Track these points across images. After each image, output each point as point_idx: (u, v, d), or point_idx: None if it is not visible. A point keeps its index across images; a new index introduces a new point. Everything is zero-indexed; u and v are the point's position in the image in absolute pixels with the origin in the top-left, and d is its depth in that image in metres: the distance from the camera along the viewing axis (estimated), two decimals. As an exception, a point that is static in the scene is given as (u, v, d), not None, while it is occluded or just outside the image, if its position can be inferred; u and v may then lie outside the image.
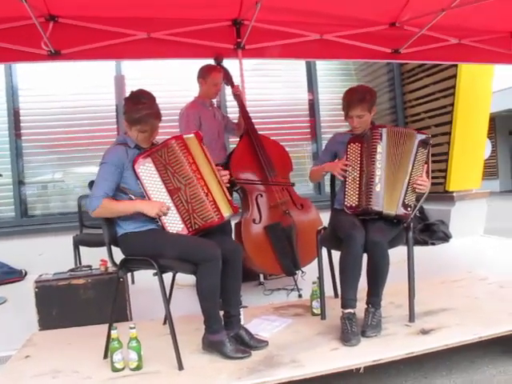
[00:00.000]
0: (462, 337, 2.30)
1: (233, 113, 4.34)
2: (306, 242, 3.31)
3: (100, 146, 4.73)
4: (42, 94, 5.11)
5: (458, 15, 3.54)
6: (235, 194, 3.56)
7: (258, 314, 2.81)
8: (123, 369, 2.16)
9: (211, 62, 3.61)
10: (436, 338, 2.30)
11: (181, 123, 3.47)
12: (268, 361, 2.17)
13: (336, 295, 2.92)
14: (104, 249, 2.43)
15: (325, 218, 3.04)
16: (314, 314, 2.77)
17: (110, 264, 2.54)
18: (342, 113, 2.71)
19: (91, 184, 2.34)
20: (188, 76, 3.59)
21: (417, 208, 2.63)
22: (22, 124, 5.04)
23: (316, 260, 2.79)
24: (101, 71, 5.16)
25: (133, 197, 2.32)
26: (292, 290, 3.53)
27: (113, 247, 2.42)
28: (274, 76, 5.82)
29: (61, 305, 2.84)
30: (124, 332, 2.17)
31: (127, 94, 2.38)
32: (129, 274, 3.14)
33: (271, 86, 5.79)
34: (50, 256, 4.45)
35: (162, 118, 2.37)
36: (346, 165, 2.63)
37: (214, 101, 3.79)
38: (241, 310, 2.46)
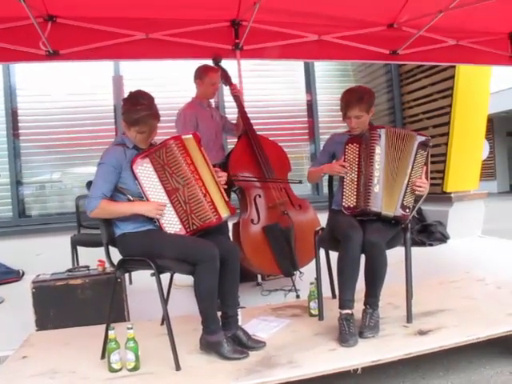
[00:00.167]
0: (459, 337, 2.30)
1: (231, 113, 4.34)
2: (304, 242, 3.31)
3: (98, 146, 4.72)
4: (40, 94, 5.10)
5: (456, 17, 3.55)
6: (233, 195, 3.57)
7: (256, 314, 2.81)
8: (120, 369, 2.16)
9: (209, 62, 3.61)
10: (434, 339, 2.30)
11: (177, 124, 3.47)
12: (266, 361, 2.17)
13: (334, 296, 2.92)
14: (102, 249, 2.43)
15: (323, 218, 3.05)
16: (311, 315, 2.77)
17: (107, 264, 2.53)
18: (340, 113, 2.72)
19: (89, 184, 2.34)
20: (186, 77, 3.60)
21: (415, 209, 2.63)
22: (20, 124, 5.03)
23: (314, 261, 2.80)
24: (99, 71, 5.15)
25: (131, 197, 2.32)
26: (290, 290, 3.53)
27: (110, 247, 2.42)
28: (272, 77, 5.82)
29: (58, 305, 2.83)
30: (121, 332, 2.17)
31: (125, 95, 2.38)
32: (126, 275, 3.14)
33: (269, 87, 5.79)
34: (47, 256, 4.44)
35: (161, 119, 2.37)
36: (343, 165, 2.63)
37: (212, 101, 3.79)
38: (238, 310, 2.46)
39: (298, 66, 5.85)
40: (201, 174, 2.35)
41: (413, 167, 2.58)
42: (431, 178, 2.66)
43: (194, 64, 3.59)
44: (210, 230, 2.36)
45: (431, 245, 5.19)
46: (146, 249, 2.29)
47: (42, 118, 5.09)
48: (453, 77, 5.31)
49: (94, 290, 2.89)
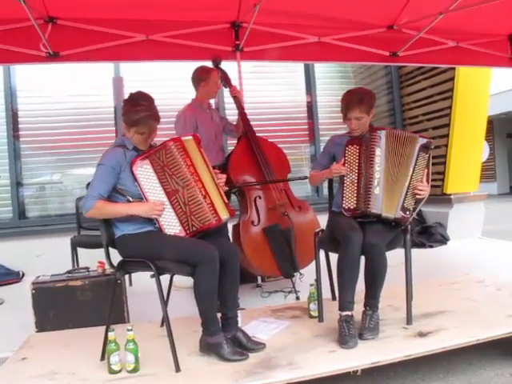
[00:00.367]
0: (459, 339, 2.30)
1: (231, 115, 4.35)
2: (304, 244, 3.31)
3: (98, 147, 4.70)
4: (40, 96, 5.10)
5: (456, 18, 3.55)
6: (233, 196, 3.57)
7: (256, 316, 2.81)
8: (120, 371, 2.15)
9: (209, 64, 3.61)
10: (434, 341, 2.30)
11: (177, 126, 3.47)
12: (265, 363, 2.17)
13: (334, 297, 2.92)
14: (102, 250, 2.43)
15: (323, 220, 3.05)
16: (311, 317, 2.76)
17: (107, 266, 2.54)
18: (340, 115, 2.72)
19: (89, 186, 2.34)
20: (186, 78, 3.59)
21: (415, 211, 2.63)
22: (20, 125, 5.03)
23: (314, 262, 2.80)
24: (99, 73, 5.15)
25: (130, 199, 2.32)
26: (290, 292, 3.52)
27: (110, 249, 2.42)
28: (272, 78, 5.83)
29: (58, 306, 2.83)
30: (121, 334, 2.17)
31: (126, 96, 2.39)
32: (126, 276, 3.14)
33: (270, 89, 5.80)
34: (47, 257, 4.45)
35: (161, 120, 2.37)
36: (340, 166, 2.63)
37: (213, 102, 3.79)
38: (238, 312, 2.46)
39: (298, 67, 5.86)
40: (200, 176, 2.35)
41: (414, 170, 2.57)
42: (431, 180, 2.66)
43: (194, 65, 3.59)
44: (210, 232, 2.36)
45: (431, 246, 5.19)
46: (145, 250, 2.29)
47: (43, 119, 5.10)
48: (453, 78, 5.31)
49: (93, 291, 2.88)
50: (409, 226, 2.63)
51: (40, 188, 5.20)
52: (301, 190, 5.40)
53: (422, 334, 2.37)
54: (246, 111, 3.64)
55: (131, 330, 2.16)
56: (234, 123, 3.76)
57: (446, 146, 5.47)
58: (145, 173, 2.31)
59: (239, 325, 2.43)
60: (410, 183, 2.57)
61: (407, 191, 2.56)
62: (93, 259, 3.07)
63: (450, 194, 5.49)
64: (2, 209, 5.00)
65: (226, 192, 2.60)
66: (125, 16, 3.30)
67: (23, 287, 3.50)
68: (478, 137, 5.62)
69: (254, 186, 3.48)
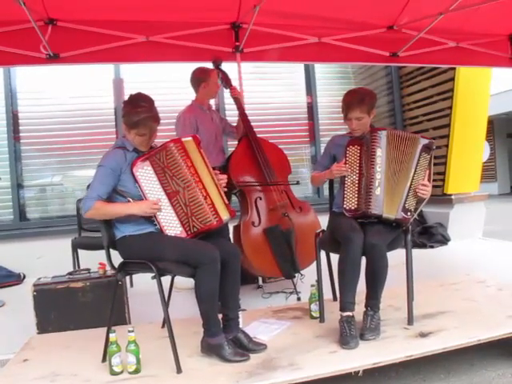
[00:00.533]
0: (460, 340, 2.29)
1: (232, 116, 4.35)
2: (304, 244, 3.32)
3: (99, 149, 4.73)
4: (40, 98, 5.11)
5: (456, 18, 3.55)
6: (234, 197, 3.57)
7: (257, 317, 2.81)
8: (121, 372, 2.15)
9: (210, 65, 3.61)
10: (435, 341, 2.30)
11: (177, 127, 3.47)
12: (266, 364, 2.17)
13: (335, 298, 2.92)
14: (102, 252, 2.43)
15: (323, 221, 3.05)
16: (312, 317, 2.76)
17: (108, 267, 2.54)
18: (341, 116, 2.72)
19: (89, 187, 2.34)
20: (187, 79, 3.59)
21: (416, 212, 2.63)
22: (20, 127, 5.03)
23: (315, 263, 2.79)
24: (99, 74, 5.15)
25: (131, 200, 2.32)
26: (291, 293, 3.52)
27: (111, 250, 2.42)
28: (272, 79, 5.83)
29: (59, 308, 2.83)
30: (122, 335, 2.17)
31: (126, 98, 2.39)
32: (127, 277, 3.14)
33: (270, 89, 5.80)
34: (48, 259, 4.45)
35: (161, 122, 2.37)
36: (341, 166, 2.63)
37: (213, 103, 3.79)
38: (239, 313, 2.46)
39: (298, 68, 5.86)
40: (201, 177, 2.35)
41: (416, 170, 2.57)
42: (432, 180, 2.65)
43: (194, 67, 3.59)
44: (211, 233, 2.36)
45: (432, 247, 5.18)
46: (146, 251, 2.29)
47: (43, 120, 5.10)
48: (453, 79, 5.31)
49: (94, 292, 2.89)
50: (410, 227, 2.62)
51: (41, 190, 5.20)
52: (301, 190, 5.40)
53: (423, 335, 2.37)
54: (247, 112, 3.64)
55: (132, 331, 2.16)
56: (235, 124, 3.77)
57: (447, 146, 5.46)
58: (145, 174, 2.31)
59: (240, 326, 2.43)
60: (411, 184, 2.56)
61: (408, 192, 2.56)
62: (94, 261, 3.07)
63: (450, 195, 5.49)
64: (3, 211, 5.01)
65: (227, 193, 2.60)
66: (125, 17, 3.30)
67: (24, 289, 3.50)
68: (478, 137, 5.62)
69: (255, 186, 3.48)
